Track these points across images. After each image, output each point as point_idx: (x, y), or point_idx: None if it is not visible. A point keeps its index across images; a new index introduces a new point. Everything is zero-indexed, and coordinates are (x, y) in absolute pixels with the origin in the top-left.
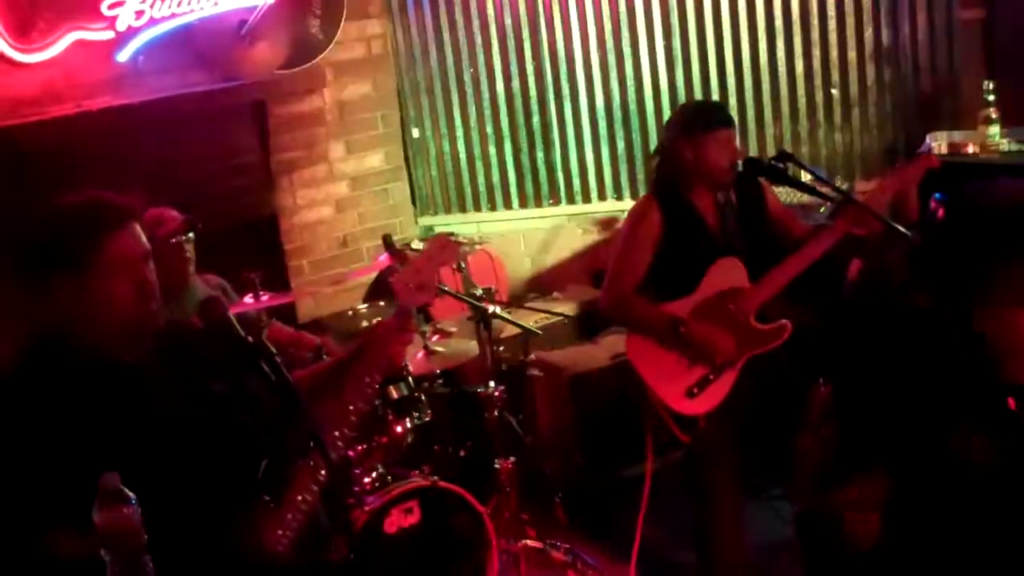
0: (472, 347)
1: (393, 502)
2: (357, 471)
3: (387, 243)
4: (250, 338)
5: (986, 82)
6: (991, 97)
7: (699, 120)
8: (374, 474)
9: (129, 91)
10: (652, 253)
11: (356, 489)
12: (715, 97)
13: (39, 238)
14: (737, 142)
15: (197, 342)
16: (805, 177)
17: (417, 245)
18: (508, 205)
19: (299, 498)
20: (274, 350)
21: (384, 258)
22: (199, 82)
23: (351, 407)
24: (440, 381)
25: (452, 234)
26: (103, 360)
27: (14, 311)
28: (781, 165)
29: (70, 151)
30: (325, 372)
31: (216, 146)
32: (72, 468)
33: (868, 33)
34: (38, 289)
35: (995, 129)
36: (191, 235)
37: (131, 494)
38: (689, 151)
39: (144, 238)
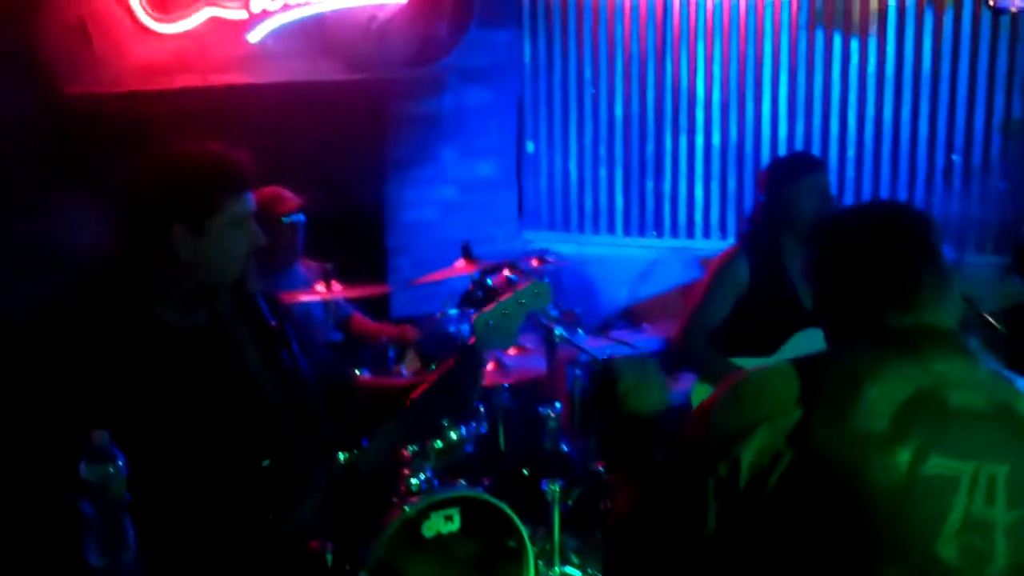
0: (543, 366)
1: (434, 507)
2: (405, 471)
3: (465, 250)
4: (275, 323)
5: None
6: None
7: (787, 169)
8: (421, 476)
9: (256, 71)
10: (733, 305)
11: (402, 489)
12: (833, 152)
13: (167, 186)
14: (828, 189)
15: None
16: None
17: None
18: (612, 230)
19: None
20: (292, 338)
21: (460, 264)
22: (324, 71)
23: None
24: (507, 395)
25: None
26: (154, 319)
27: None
28: None
29: (192, 122)
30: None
31: (332, 135)
32: (82, 417)
33: (999, 103)
34: (155, 235)
35: None
36: (302, 218)
37: (118, 453)
38: (778, 201)
39: (252, 200)
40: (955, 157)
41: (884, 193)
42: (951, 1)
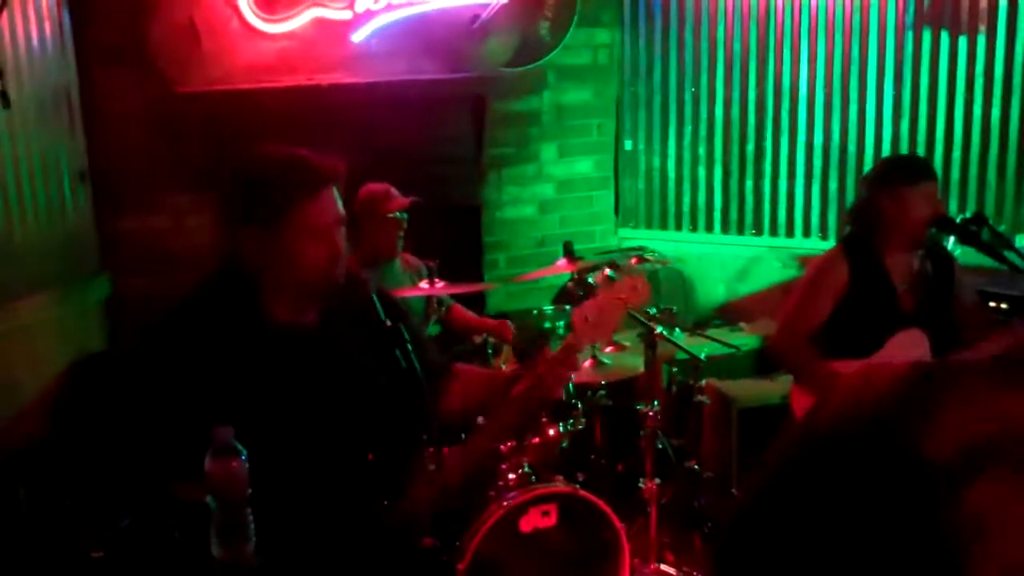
0: (641, 364)
1: (532, 502)
2: (503, 466)
3: (567, 250)
4: (389, 323)
5: None
6: None
7: (902, 172)
8: (519, 472)
9: (359, 71)
10: (832, 307)
11: (499, 483)
12: (939, 153)
13: (240, 188)
14: (938, 197)
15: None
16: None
17: (601, 272)
18: (709, 228)
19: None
20: (408, 338)
21: (562, 263)
22: (426, 70)
23: (494, 429)
24: (603, 393)
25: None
26: (265, 317)
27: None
28: (974, 228)
29: (298, 121)
30: (487, 381)
31: (433, 133)
32: (197, 413)
33: None
34: (231, 237)
35: None
36: (405, 215)
37: (241, 448)
38: (889, 204)
39: (340, 204)
40: None
41: (990, 198)
42: None
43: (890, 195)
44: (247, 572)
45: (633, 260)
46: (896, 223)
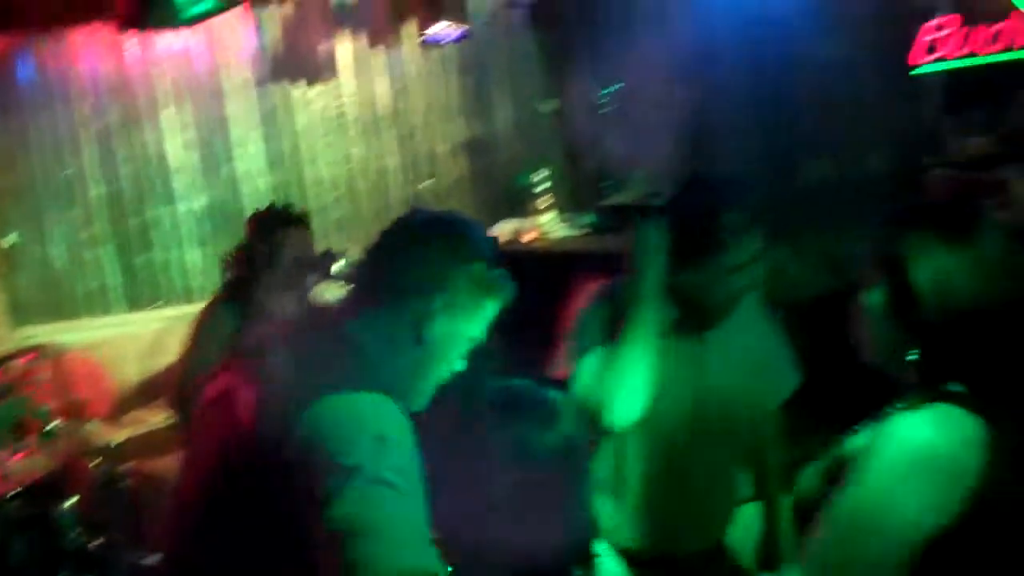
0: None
1: None
2: None
3: None
4: None
5: (539, 171)
6: (545, 185)
7: (270, 221)
8: None
9: None
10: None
11: None
12: (323, 195)
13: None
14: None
15: None
16: None
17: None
18: (115, 309)
19: None
20: None
21: None
22: None
23: None
24: (17, 502)
25: None
26: None
27: None
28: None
29: None
30: None
31: None
32: None
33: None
34: None
35: (551, 216)
36: None
37: None
38: (265, 252)
39: None
40: (425, 183)
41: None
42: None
43: (264, 242)
44: None
45: (22, 359)
46: (273, 267)
